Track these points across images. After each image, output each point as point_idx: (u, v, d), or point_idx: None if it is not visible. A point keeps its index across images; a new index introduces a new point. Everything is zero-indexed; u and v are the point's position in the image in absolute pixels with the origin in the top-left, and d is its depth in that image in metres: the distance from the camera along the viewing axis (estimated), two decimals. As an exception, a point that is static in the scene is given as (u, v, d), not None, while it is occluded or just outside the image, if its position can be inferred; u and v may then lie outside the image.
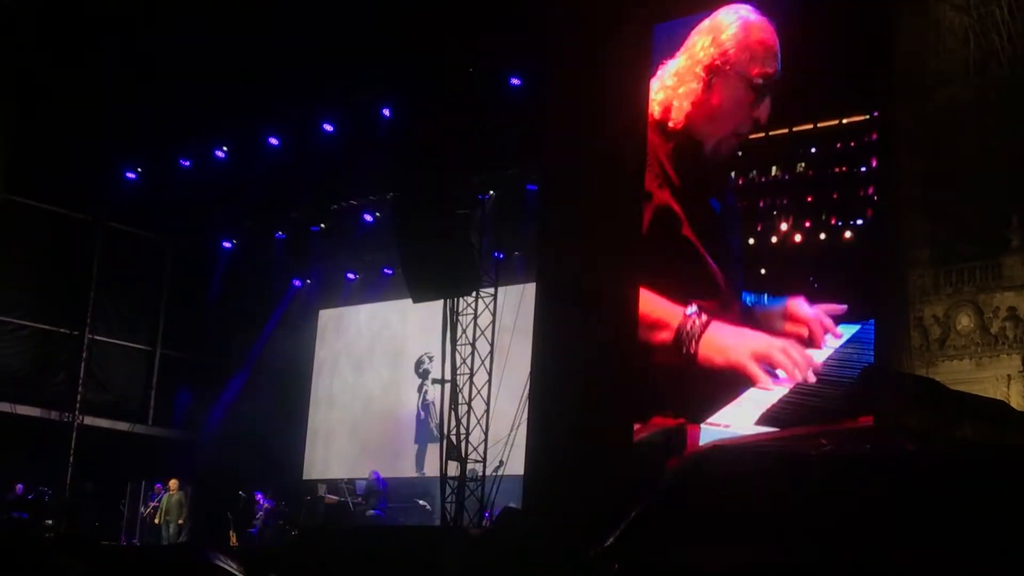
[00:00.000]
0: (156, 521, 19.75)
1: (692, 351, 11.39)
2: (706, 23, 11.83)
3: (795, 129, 11.95)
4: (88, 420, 21.81)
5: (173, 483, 19.88)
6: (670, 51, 12.56)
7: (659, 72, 12.67)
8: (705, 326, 11.26)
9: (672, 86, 12.16)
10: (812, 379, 10.53)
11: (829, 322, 11.00)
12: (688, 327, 11.29)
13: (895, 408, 3.19)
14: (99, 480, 21.05)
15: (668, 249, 12.11)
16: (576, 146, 13.34)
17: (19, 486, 19.30)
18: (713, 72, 9.57)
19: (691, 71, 11.65)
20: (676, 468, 4.11)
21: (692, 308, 11.45)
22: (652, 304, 12.15)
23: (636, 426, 12.60)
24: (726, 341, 11.18)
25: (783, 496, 2.80)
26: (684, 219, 11.98)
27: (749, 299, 11.92)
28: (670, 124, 12.32)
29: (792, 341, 10.94)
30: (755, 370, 10.81)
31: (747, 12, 10.99)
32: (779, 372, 10.82)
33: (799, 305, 11.24)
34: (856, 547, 2.69)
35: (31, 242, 21.31)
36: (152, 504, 20.10)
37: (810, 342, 10.95)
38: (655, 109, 12.58)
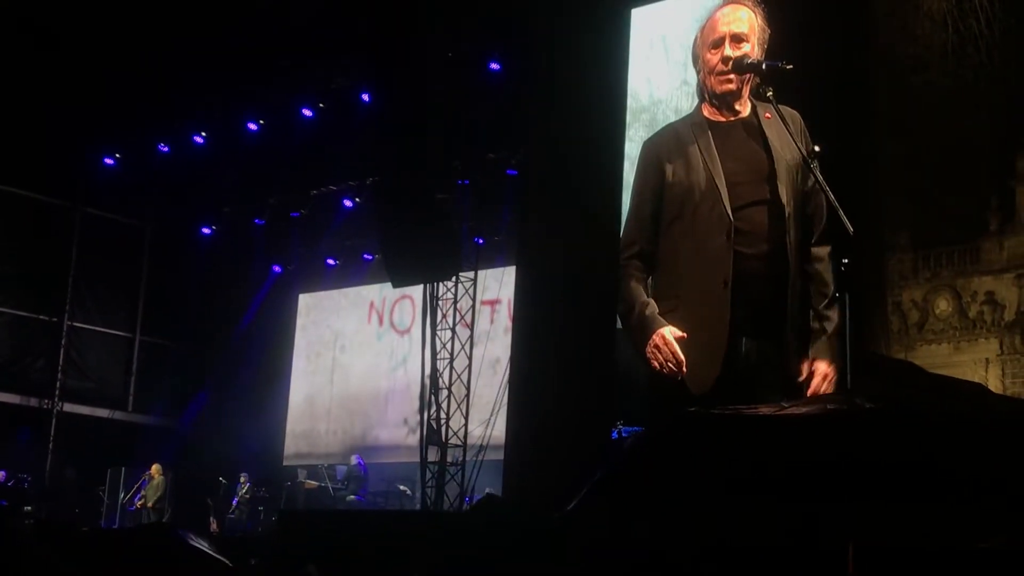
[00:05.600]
0: (139, 505, 19.80)
1: None
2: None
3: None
4: (68, 407, 21.77)
5: (155, 468, 19.88)
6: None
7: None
8: None
9: None
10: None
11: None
12: None
13: (872, 390, 3.19)
14: (79, 467, 21.02)
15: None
16: (555, 131, 13.33)
17: (2, 473, 19.27)
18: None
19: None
20: (634, 436, 4.14)
21: None
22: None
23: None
24: None
25: (738, 457, 2.82)
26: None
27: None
28: None
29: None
30: None
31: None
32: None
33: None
34: (810, 504, 2.71)
35: (7, 229, 21.23)
36: (136, 490, 20.09)
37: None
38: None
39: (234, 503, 19.40)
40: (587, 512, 3.00)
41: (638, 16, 12.86)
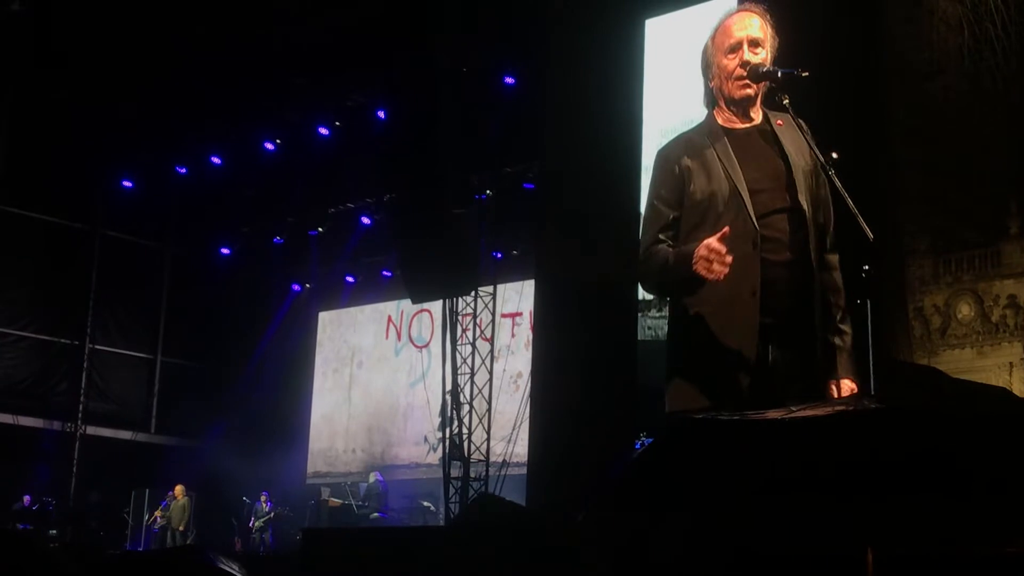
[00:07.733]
0: (159, 522, 19.84)
1: None
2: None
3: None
4: (91, 430, 21.82)
5: (178, 489, 19.90)
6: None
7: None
8: None
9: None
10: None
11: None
12: None
13: (895, 396, 3.17)
14: (103, 489, 21.05)
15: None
16: (572, 143, 13.34)
17: (26, 497, 19.30)
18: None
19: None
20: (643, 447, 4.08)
21: None
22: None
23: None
24: None
25: (746, 461, 2.80)
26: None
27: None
28: None
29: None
30: None
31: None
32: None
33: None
34: (815, 506, 2.69)
35: (28, 253, 21.30)
36: (159, 512, 20.10)
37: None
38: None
39: (252, 522, 19.39)
40: (596, 518, 3.00)
41: (665, 31, 12.85)
